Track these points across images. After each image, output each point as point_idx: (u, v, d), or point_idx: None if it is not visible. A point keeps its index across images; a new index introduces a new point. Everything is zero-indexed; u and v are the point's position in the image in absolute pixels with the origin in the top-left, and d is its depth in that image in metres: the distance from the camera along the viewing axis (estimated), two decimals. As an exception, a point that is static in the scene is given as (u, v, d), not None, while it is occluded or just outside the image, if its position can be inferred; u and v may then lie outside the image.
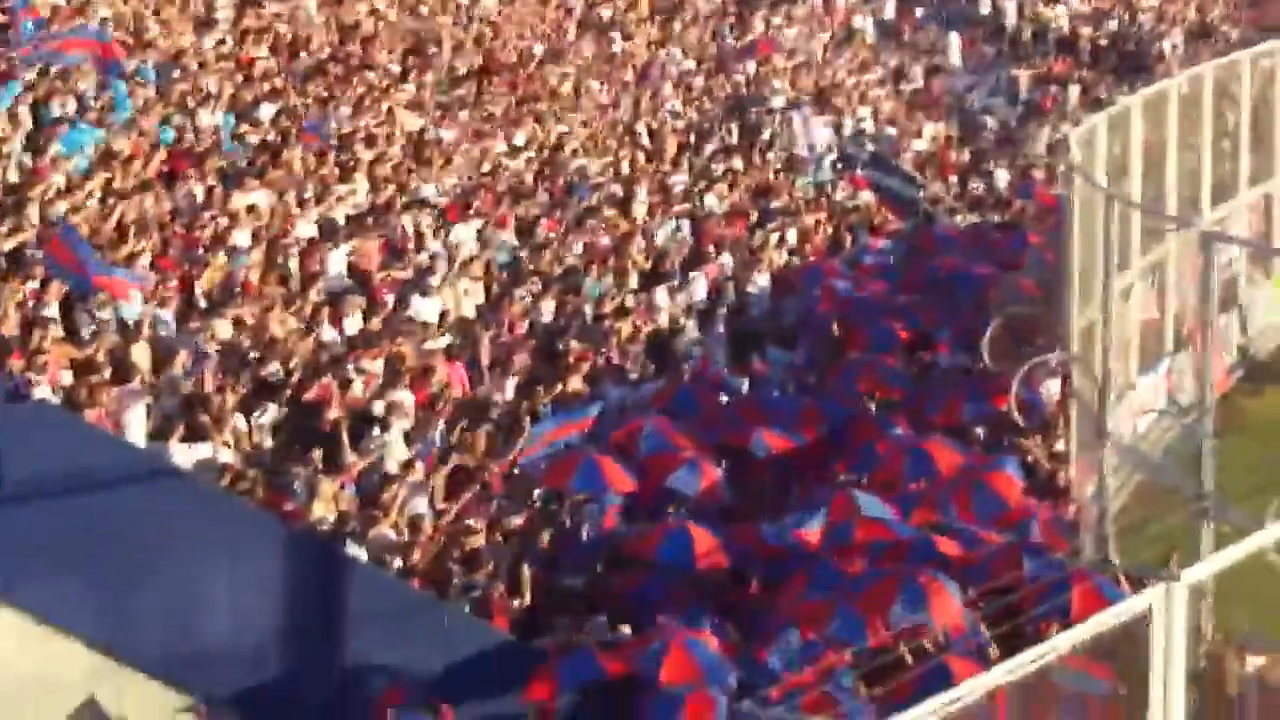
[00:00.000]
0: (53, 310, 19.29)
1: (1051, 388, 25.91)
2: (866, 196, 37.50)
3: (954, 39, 50.03)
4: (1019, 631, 18.07)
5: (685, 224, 31.80)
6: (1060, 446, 25.28)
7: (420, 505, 19.82)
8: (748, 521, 21.57)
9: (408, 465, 20.33)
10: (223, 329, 20.78)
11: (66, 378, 18.43)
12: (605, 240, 29.43)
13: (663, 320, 27.99)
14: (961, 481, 22.47)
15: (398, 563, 19.12)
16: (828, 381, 26.92)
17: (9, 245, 19.99)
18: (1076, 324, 24.68)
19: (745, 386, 26.49)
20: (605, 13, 41.00)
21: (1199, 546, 18.88)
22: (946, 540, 20.61)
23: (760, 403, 25.48)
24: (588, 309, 27.02)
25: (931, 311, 29.10)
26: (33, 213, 20.56)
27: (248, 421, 19.68)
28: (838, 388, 26.28)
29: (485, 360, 24.11)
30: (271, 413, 20.09)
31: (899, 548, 20.48)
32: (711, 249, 30.88)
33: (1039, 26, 52.63)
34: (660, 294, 28.56)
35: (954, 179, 41.06)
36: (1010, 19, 52.48)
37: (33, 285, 19.34)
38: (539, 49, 37.02)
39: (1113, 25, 54.69)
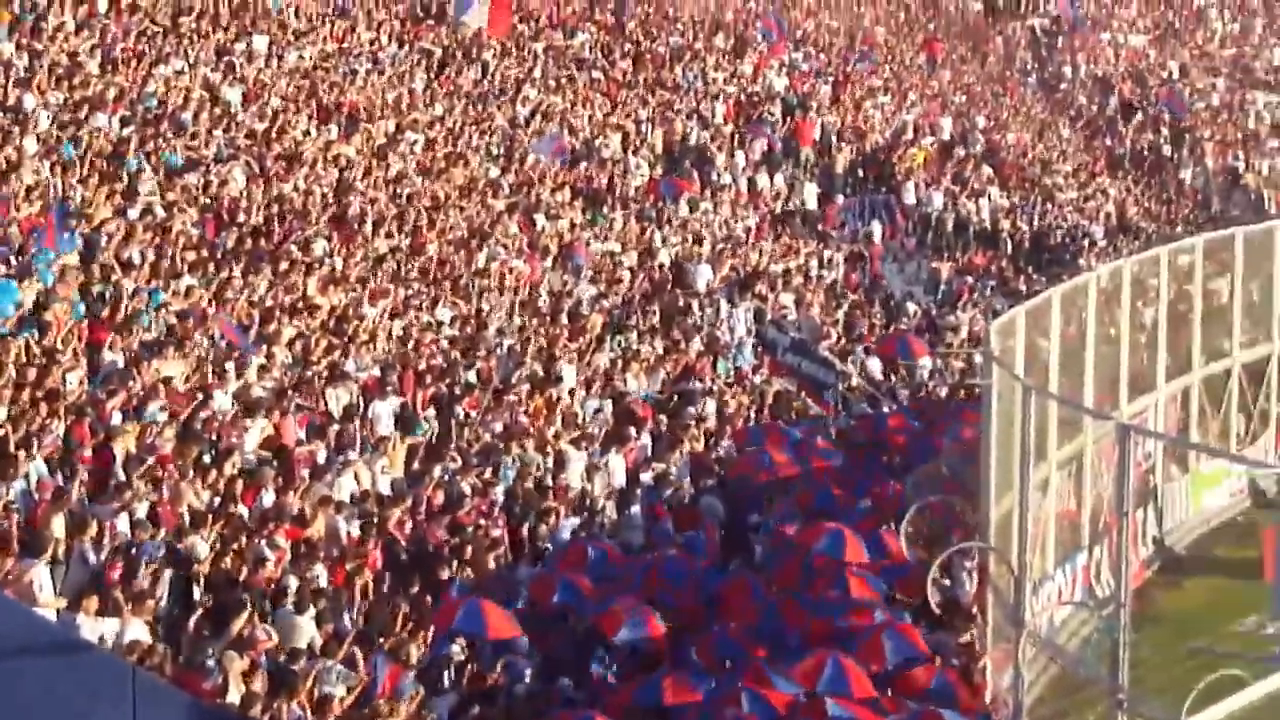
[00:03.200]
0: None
1: (968, 577, 25.94)
2: (784, 382, 37.68)
3: (876, 228, 50.57)
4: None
5: (607, 404, 31.83)
6: (973, 636, 25.25)
7: (331, 684, 19.58)
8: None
9: (320, 643, 20.12)
10: (138, 501, 20.56)
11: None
12: (524, 419, 29.42)
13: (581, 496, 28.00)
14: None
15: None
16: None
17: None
18: (994, 514, 24.75)
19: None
20: (533, 194, 41.25)
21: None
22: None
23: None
24: (502, 489, 26.96)
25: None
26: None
27: (158, 595, 19.45)
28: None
29: (402, 537, 24.01)
30: (181, 587, 19.87)
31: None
32: (632, 430, 30.90)
33: (960, 218, 53.31)
34: (577, 473, 28.55)
35: (874, 365, 41.28)
36: (933, 210, 53.13)
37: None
38: (464, 227, 37.18)
39: (1033, 218, 55.48)
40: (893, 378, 40.95)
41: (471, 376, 29.90)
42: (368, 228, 34.05)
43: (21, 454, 19.85)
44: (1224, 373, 34.41)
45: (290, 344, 27.22)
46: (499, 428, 28.71)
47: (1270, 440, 34.99)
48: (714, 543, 28.30)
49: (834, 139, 53.91)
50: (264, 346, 26.39)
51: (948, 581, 25.58)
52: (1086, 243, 54.91)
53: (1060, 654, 24.55)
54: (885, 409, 37.42)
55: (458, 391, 29.09)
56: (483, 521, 25.60)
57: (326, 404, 26.25)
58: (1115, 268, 32.59)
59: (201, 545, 20.50)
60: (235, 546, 20.82)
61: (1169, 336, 32.95)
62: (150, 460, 21.28)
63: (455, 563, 24.03)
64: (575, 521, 27.25)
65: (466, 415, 28.51)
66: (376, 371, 27.99)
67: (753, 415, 35.17)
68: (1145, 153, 66.48)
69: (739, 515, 29.79)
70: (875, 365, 40.77)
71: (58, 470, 20.21)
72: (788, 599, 24.83)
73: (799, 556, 26.37)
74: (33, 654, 7.72)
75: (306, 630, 20.35)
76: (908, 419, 35.52)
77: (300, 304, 28.91)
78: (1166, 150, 66.54)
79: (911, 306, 46.62)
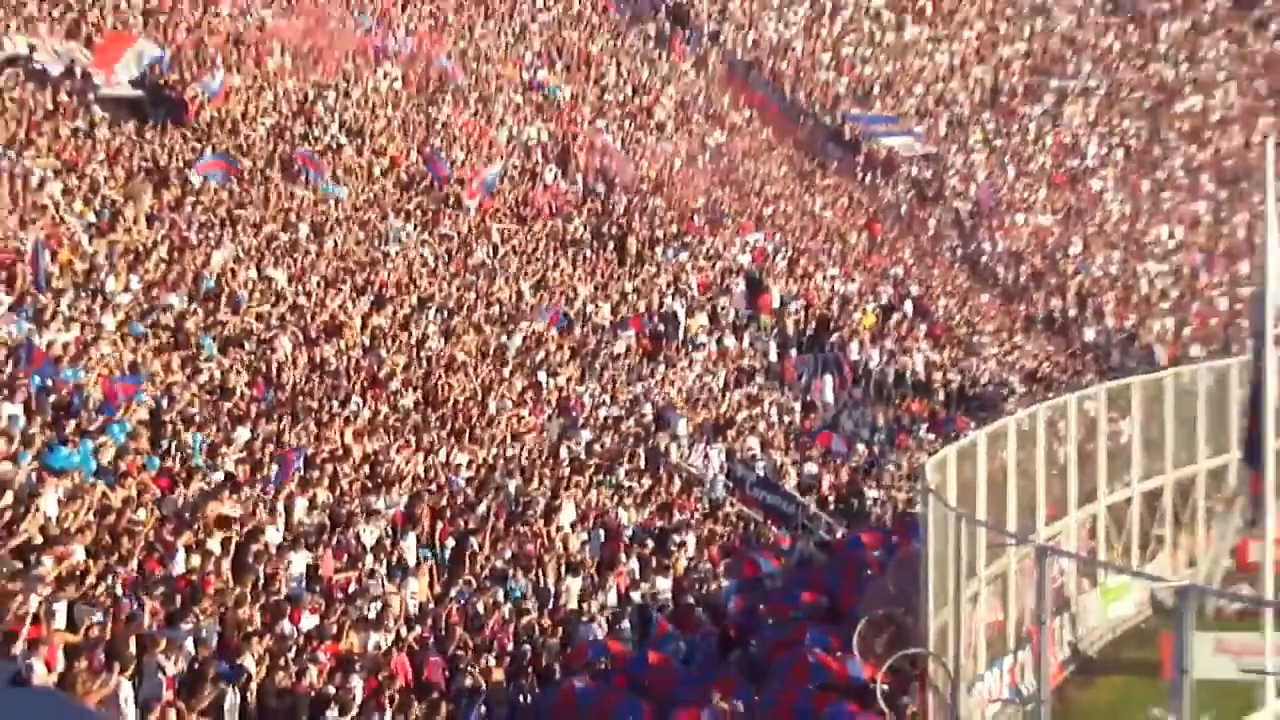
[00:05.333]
0: (60, 605, 18.96)
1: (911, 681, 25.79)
2: (752, 512, 37.75)
3: (828, 380, 50.73)
4: None
5: (600, 533, 31.81)
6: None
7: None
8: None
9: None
10: (203, 626, 20.49)
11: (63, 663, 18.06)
12: (530, 547, 29.36)
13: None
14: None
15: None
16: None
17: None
18: (933, 624, 24.68)
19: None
20: (536, 356, 41.40)
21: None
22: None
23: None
24: (510, 606, 26.92)
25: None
26: (34, 525, 20.30)
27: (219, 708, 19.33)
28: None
29: (425, 651, 23.89)
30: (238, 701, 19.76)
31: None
32: (622, 555, 30.86)
33: (898, 371, 53.51)
34: (575, 591, 28.48)
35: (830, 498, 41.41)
36: (874, 364, 53.34)
37: (45, 590, 18.97)
38: (476, 383, 37.32)
39: (961, 371, 55.73)
40: (840, 506, 41.03)
41: (483, 511, 29.87)
42: (394, 385, 34.18)
43: (103, 584, 19.81)
44: (1125, 501, 34.39)
45: (331, 486, 27.24)
46: (508, 555, 28.67)
47: (1165, 558, 34.92)
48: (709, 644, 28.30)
49: (789, 305, 54.18)
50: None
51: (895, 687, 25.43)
52: (1006, 391, 55.13)
53: (992, 746, 24.40)
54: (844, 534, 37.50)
55: (472, 525, 29.06)
56: (495, 636, 25.50)
57: (360, 537, 26.22)
58: (1031, 412, 32.64)
59: (251, 661, 20.40)
60: (282, 661, 20.72)
61: (1078, 470, 32.95)
62: (211, 590, 21.22)
63: (472, 674, 23.88)
64: (596, 628, 27.22)
65: (480, 545, 28.46)
66: (403, 507, 28.01)
67: (725, 540, 35.11)
68: (1054, 315, 66.91)
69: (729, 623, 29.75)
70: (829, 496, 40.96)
71: (130, 596, 20.14)
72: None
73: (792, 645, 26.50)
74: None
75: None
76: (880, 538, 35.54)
77: (338, 451, 28.96)
78: (1072, 313, 66.97)
79: (860, 446, 46.76)
